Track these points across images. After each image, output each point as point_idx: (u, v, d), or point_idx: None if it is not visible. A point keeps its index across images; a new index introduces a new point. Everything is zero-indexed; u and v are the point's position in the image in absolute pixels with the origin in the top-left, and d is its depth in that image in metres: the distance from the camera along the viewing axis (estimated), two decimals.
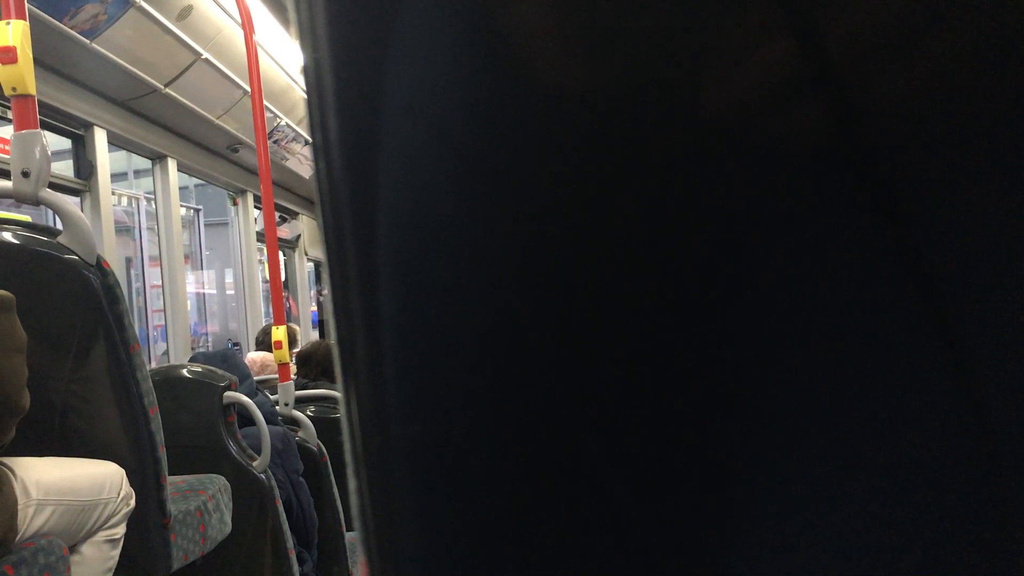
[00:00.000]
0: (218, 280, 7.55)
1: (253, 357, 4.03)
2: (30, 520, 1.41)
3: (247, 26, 3.09)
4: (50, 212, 1.84)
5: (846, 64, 0.17)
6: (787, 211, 0.18)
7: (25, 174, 1.59)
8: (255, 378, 3.13)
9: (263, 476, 2.45)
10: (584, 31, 0.18)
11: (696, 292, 0.19)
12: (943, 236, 0.17)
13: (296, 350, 3.88)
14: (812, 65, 0.17)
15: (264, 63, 3.73)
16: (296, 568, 2.55)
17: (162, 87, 3.62)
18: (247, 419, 2.49)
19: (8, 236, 1.66)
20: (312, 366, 3.51)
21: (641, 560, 0.19)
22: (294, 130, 4.89)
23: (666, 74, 0.18)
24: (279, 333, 3.02)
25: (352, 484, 0.23)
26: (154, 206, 4.34)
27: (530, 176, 0.19)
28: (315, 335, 6.95)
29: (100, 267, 1.68)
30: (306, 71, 0.21)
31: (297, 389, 3.19)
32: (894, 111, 0.17)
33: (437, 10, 0.20)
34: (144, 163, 4.43)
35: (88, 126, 3.50)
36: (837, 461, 0.18)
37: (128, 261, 5.73)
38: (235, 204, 5.37)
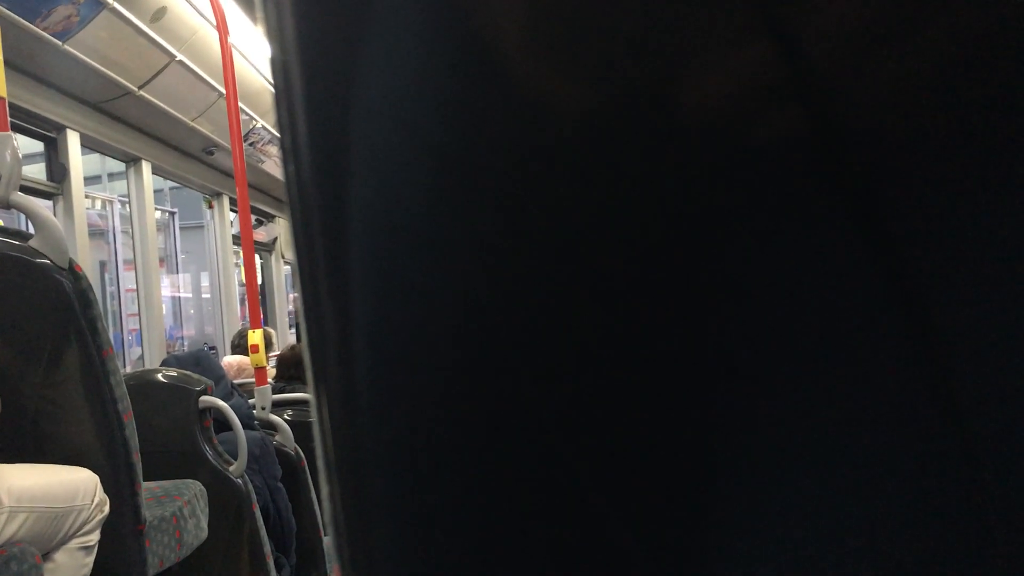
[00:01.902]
0: (194, 284, 7.50)
1: (229, 361, 4.00)
2: (2, 528, 1.39)
3: (222, 28, 3.07)
4: (22, 216, 1.82)
5: (823, 66, 0.17)
6: (765, 214, 0.18)
7: None
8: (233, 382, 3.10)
9: (240, 481, 2.43)
10: (558, 31, 0.18)
11: (672, 294, 0.19)
12: (921, 237, 0.17)
13: (273, 353, 3.86)
14: (789, 67, 0.17)
15: (239, 65, 3.70)
16: (274, 574, 2.53)
17: (136, 89, 3.58)
18: (224, 424, 2.48)
19: None
20: (289, 368, 3.50)
21: (622, 567, 0.19)
22: (270, 132, 4.85)
23: (642, 76, 0.18)
24: (255, 337, 3.00)
25: (324, 489, 0.22)
26: (128, 209, 4.31)
27: (503, 177, 0.19)
28: (292, 338, 6.91)
29: (72, 271, 1.66)
30: (274, 71, 0.21)
31: (275, 392, 3.17)
32: (871, 112, 0.17)
33: (408, 9, 0.19)
34: (118, 166, 4.39)
35: (61, 129, 3.46)
36: (819, 464, 0.18)
37: (102, 265, 5.68)
38: (211, 207, 5.33)
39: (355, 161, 0.20)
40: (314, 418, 0.22)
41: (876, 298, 0.18)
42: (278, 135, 0.22)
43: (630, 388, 0.19)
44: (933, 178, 0.17)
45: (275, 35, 0.21)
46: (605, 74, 0.18)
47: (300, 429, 2.99)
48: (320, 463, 0.22)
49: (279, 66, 0.21)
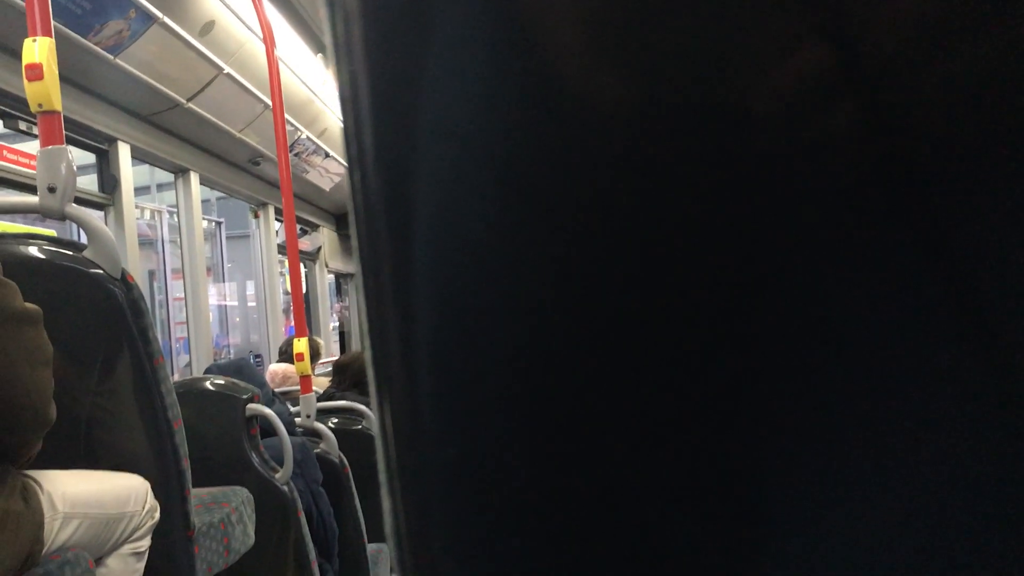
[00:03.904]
0: (240, 292, 7.62)
1: (275, 369, 4.06)
2: (56, 533, 1.42)
3: (268, 40, 3.12)
4: (75, 226, 1.86)
5: (880, 66, 0.17)
6: (824, 213, 0.18)
7: (51, 189, 1.60)
8: (277, 389, 3.14)
9: (285, 488, 2.45)
10: (617, 42, 0.18)
11: (734, 302, 0.18)
12: (981, 235, 0.17)
13: (322, 360, 3.88)
14: (847, 67, 0.17)
15: (285, 77, 3.76)
16: None
17: (185, 101, 3.66)
18: (266, 429, 2.50)
19: (34, 251, 1.68)
20: (347, 376, 3.52)
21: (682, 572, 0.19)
22: (315, 143, 4.92)
23: (700, 81, 0.18)
24: (300, 345, 3.03)
25: (385, 503, 0.22)
26: (177, 219, 4.39)
27: (567, 192, 0.19)
28: (336, 347, 6.98)
29: (125, 281, 1.69)
30: (341, 84, 0.21)
31: (326, 398, 3.19)
32: (929, 112, 0.17)
33: (472, 27, 0.19)
34: (167, 177, 4.48)
35: (112, 141, 3.54)
36: (872, 463, 0.18)
37: (151, 274, 5.79)
38: (256, 217, 5.41)
39: (420, 176, 0.20)
40: (377, 431, 0.22)
41: (935, 295, 0.17)
42: (343, 144, 0.22)
43: (694, 400, 0.19)
44: (991, 176, 0.17)
45: (343, 50, 0.21)
46: (666, 81, 0.18)
47: (344, 436, 3.01)
48: (382, 477, 0.22)
49: (347, 79, 0.21)
